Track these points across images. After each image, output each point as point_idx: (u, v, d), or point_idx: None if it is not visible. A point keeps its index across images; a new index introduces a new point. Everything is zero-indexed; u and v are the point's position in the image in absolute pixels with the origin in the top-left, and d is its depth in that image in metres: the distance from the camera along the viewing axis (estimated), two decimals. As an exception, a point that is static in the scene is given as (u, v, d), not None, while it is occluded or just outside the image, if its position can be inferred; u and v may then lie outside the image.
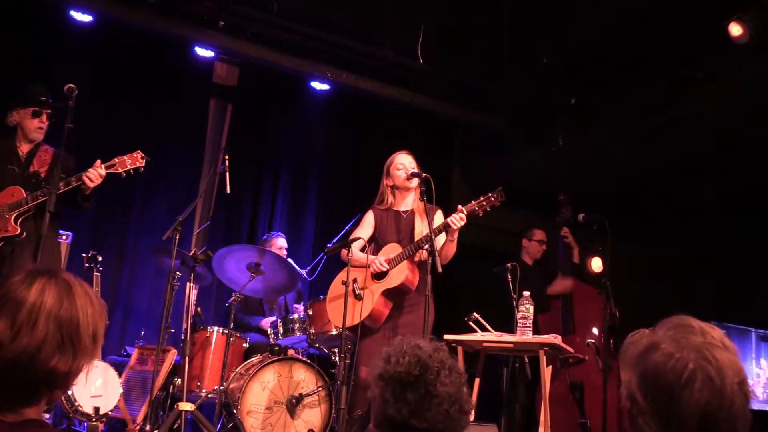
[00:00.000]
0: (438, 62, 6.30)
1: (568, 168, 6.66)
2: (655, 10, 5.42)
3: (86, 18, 5.52)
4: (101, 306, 1.48)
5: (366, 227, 4.33)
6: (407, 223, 4.28)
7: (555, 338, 3.95)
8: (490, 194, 3.97)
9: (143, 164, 4.23)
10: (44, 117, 4.18)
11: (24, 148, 4.21)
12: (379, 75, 6.22)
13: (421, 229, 4.16)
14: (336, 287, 4.28)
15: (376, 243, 4.31)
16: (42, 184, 4.08)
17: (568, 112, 6.38)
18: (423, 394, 1.68)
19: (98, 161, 4.11)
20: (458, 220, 3.92)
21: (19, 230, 4.00)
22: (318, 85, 6.28)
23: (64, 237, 5.31)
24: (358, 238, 4.18)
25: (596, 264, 6.13)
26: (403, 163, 4.30)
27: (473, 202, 3.99)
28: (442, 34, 6.32)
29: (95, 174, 4.04)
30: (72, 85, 3.84)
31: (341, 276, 4.21)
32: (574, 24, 6.15)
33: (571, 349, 4.27)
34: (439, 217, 4.19)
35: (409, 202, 4.33)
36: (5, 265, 3.98)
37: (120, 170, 4.16)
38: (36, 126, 4.17)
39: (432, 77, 6.35)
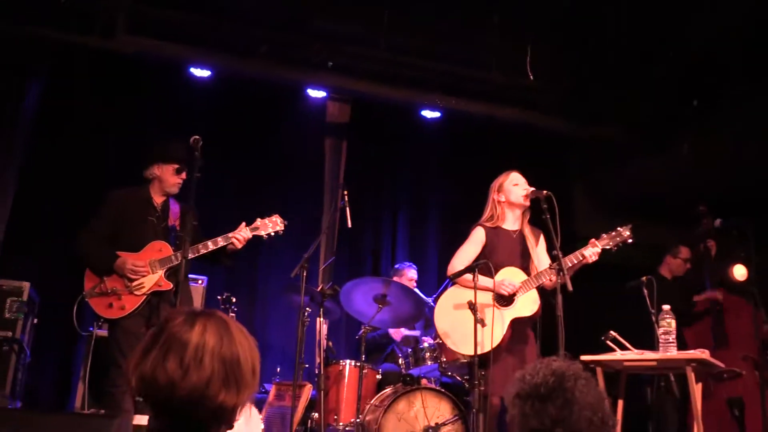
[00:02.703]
0: (548, 78, 6.18)
1: (698, 175, 6.30)
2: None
3: (205, 73, 5.84)
4: (254, 343, 1.54)
5: (475, 245, 4.19)
6: (517, 244, 4.17)
7: (703, 353, 3.70)
8: (620, 229, 3.93)
9: (282, 229, 4.43)
10: (184, 174, 4.36)
11: (158, 200, 4.40)
12: (488, 96, 6.19)
13: (535, 252, 4.05)
14: (445, 310, 4.13)
15: (491, 263, 4.14)
16: (178, 234, 4.30)
17: (691, 116, 6.08)
18: (563, 402, 1.62)
19: (243, 224, 4.32)
20: (594, 255, 3.90)
21: (171, 286, 4.17)
22: (429, 114, 6.33)
23: (199, 281, 5.58)
24: (484, 262, 4.05)
25: (739, 272, 5.73)
26: (519, 181, 4.22)
27: (605, 236, 3.96)
28: (548, 49, 6.20)
29: (241, 237, 4.26)
30: (197, 137, 4.00)
31: (449, 298, 4.11)
32: (690, 24, 5.88)
33: (721, 364, 3.98)
34: (541, 241, 4.15)
35: (518, 221, 4.23)
36: (154, 316, 4.16)
37: (262, 233, 4.37)
38: (176, 182, 4.36)
39: (542, 93, 6.24)
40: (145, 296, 4.12)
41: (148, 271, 4.13)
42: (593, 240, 3.91)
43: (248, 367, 1.48)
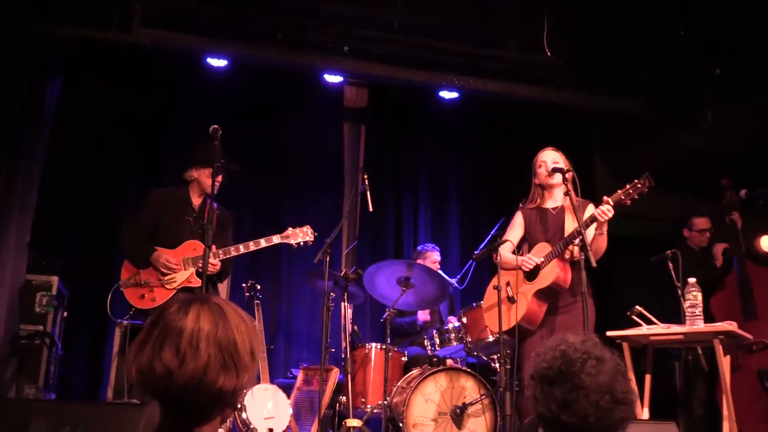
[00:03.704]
0: (565, 53, 6.09)
1: (723, 145, 6.20)
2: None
3: (222, 63, 5.85)
4: (252, 323, 1.55)
5: (516, 229, 4.25)
6: (555, 220, 4.15)
7: (730, 325, 3.66)
8: (636, 181, 3.76)
9: (312, 240, 4.61)
10: (220, 176, 4.48)
11: (196, 201, 4.58)
12: (507, 75, 6.11)
13: (570, 225, 4.02)
14: (491, 294, 4.24)
15: (528, 244, 4.21)
16: (216, 237, 4.38)
17: (714, 86, 5.97)
18: (569, 387, 1.62)
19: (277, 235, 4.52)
20: (606, 211, 3.76)
21: (200, 282, 4.24)
22: (447, 94, 6.28)
23: (224, 270, 5.61)
24: (506, 241, 4.09)
25: (766, 242, 5.66)
26: (545, 160, 4.19)
27: (619, 191, 3.81)
28: (565, 23, 6.12)
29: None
30: (216, 126, 4.06)
31: (494, 282, 4.15)
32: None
33: (750, 336, 3.94)
34: (590, 211, 4.02)
35: (557, 198, 4.21)
36: None
37: (292, 242, 4.56)
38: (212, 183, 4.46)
39: (560, 69, 6.15)
40: (175, 291, 4.32)
41: (180, 267, 4.35)
42: (605, 197, 3.82)
43: (245, 349, 1.48)
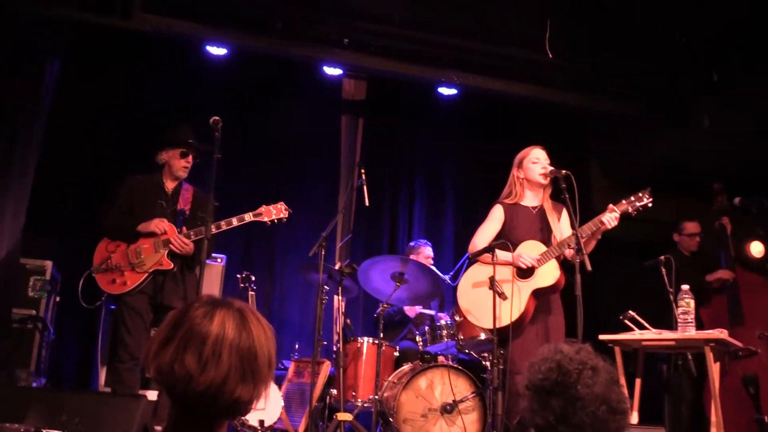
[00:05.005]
0: (565, 54, 6.11)
1: (719, 150, 6.24)
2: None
3: (221, 51, 5.83)
4: (272, 331, 1.54)
5: (494, 222, 4.19)
6: (538, 219, 4.15)
7: (721, 333, 3.71)
8: (640, 194, 3.84)
9: (286, 215, 4.54)
10: (190, 157, 4.54)
11: (169, 185, 4.57)
12: (506, 73, 6.13)
13: (557, 226, 4.05)
14: (467, 288, 4.17)
15: (508, 240, 4.11)
16: (189, 219, 4.46)
17: (711, 90, 6.00)
18: (566, 399, 1.64)
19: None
20: (613, 219, 3.80)
21: (172, 265, 4.36)
22: (446, 91, 6.29)
23: (218, 260, 5.63)
24: (502, 242, 4.06)
25: (756, 248, 5.73)
26: (539, 157, 4.19)
27: (624, 201, 3.87)
28: (566, 24, 6.12)
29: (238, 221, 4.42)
30: (217, 118, 4.05)
31: (471, 275, 4.14)
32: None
33: (739, 343, 4.00)
34: (564, 216, 4.10)
35: (538, 197, 4.21)
36: (160, 294, 4.37)
37: (265, 219, 4.48)
38: (182, 165, 4.53)
39: (560, 70, 6.18)
40: (146, 274, 4.32)
41: (170, 231, 4.33)
42: (611, 205, 3.86)
43: (265, 360, 1.49)
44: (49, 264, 5.21)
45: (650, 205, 3.81)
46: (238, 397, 1.44)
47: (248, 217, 4.44)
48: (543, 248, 4.03)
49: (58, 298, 5.42)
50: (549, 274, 3.98)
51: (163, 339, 1.48)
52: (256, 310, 1.56)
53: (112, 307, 5.06)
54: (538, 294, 4.02)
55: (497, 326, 3.86)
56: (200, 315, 1.47)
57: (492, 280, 3.86)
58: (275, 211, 4.50)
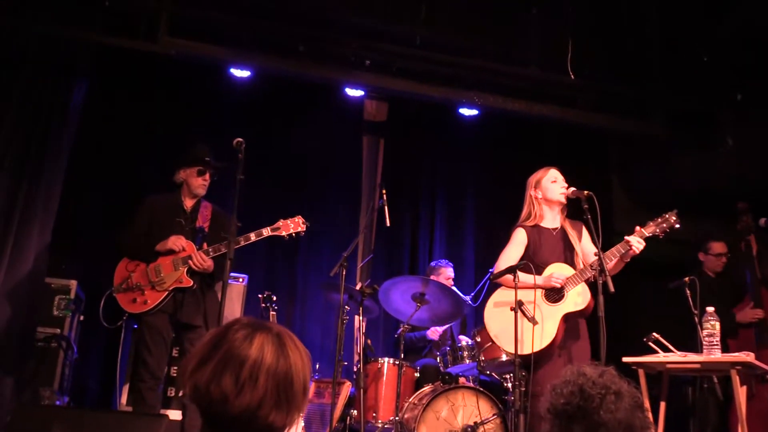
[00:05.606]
0: (586, 74, 6.10)
1: (743, 170, 6.17)
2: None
3: (245, 74, 5.90)
4: (308, 357, 1.53)
5: (517, 246, 4.11)
6: (559, 240, 4.10)
7: (747, 356, 3.64)
8: (666, 215, 3.81)
9: (304, 229, 4.55)
10: (207, 175, 4.59)
11: (188, 203, 4.62)
12: (527, 94, 6.13)
13: (579, 246, 4.01)
14: (499, 314, 4.04)
15: (532, 263, 4.01)
16: (208, 236, 4.49)
17: (735, 109, 5.95)
18: (588, 425, 1.62)
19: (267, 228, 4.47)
20: (641, 244, 3.77)
21: (192, 282, 4.39)
22: (466, 111, 6.30)
23: (240, 279, 5.66)
24: (524, 263, 4.02)
25: (784, 270, 5.62)
26: (557, 177, 4.15)
27: (651, 224, 3.83)
28: (587, 45, 6.13)
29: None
30: (240, 140, 4.08)
31: (497, 299, 4.07)
32: (731, 16, 5.75)
33: (766, 366, 3.92)
34: (585, 234, 4.06)
35: (557, 218, 4.16)
36: (180, 312, 4.38)
37: (283, 233, 4.50)
38: (200, 183, 4.59)
39: (581, 90, 6.17)
40: (166, 292, 4.35)
41: (189, 249, 4.36)
42: (639, 228, 3.81)
43: (300, 386, 1.48)
44: (73, 283, 5.27)
45: (677, 226, 3.77)
46: (271, 422, 1.43)
47: (266, 231, 4.46)
48: (571, 271, 3.95)
49: (82, 317, 5.48)
50: (581, 298, 3.89)
51: (201, 358, 1.47)
52: (293, 335, 1.55)
53: (135, 326, 5.09)
54: (567, 318, 3.95)
55: (526, 352, 3.78)
56: (240, 338, 1.47)
57: (519, 303, 3.80)
58: (293, 225, 4.52)
